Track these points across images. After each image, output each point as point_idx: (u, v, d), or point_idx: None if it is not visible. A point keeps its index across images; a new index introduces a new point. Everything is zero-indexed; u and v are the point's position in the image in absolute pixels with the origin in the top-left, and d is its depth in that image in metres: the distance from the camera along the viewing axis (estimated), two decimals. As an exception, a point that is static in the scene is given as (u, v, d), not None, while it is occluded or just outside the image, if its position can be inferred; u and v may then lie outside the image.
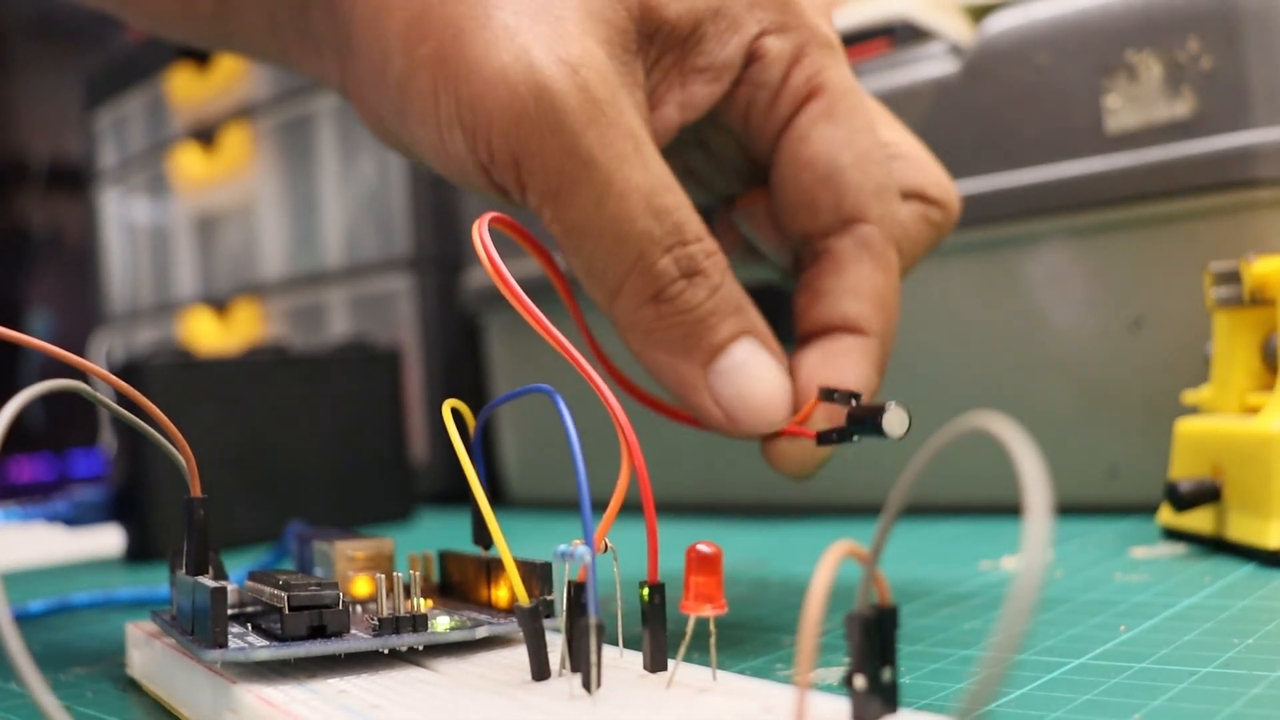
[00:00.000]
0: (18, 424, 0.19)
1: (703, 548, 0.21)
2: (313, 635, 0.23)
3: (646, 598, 0.22)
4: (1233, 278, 0.37)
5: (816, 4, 0.29)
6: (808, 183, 0.29)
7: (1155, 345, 0.45)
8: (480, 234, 0.24)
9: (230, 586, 0.24)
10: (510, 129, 0.26)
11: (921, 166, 0.32)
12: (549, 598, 0.23)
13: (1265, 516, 0.33)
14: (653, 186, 0.27)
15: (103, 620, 0.38)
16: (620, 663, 0.23)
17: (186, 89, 0.94)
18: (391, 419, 0.64)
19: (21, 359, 1.55)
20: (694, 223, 0.27)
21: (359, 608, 0.27)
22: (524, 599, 0.23)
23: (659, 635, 0.22)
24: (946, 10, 0.53)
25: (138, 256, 1.05)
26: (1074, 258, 0.47)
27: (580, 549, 0.20)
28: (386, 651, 0.24)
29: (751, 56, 0.29)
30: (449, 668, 0.23)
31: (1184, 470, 0.37)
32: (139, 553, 0.53)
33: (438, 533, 0.59)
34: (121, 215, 1.07)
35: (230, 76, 0.89)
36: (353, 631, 0.24)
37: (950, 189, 0.32)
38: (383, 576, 0.23)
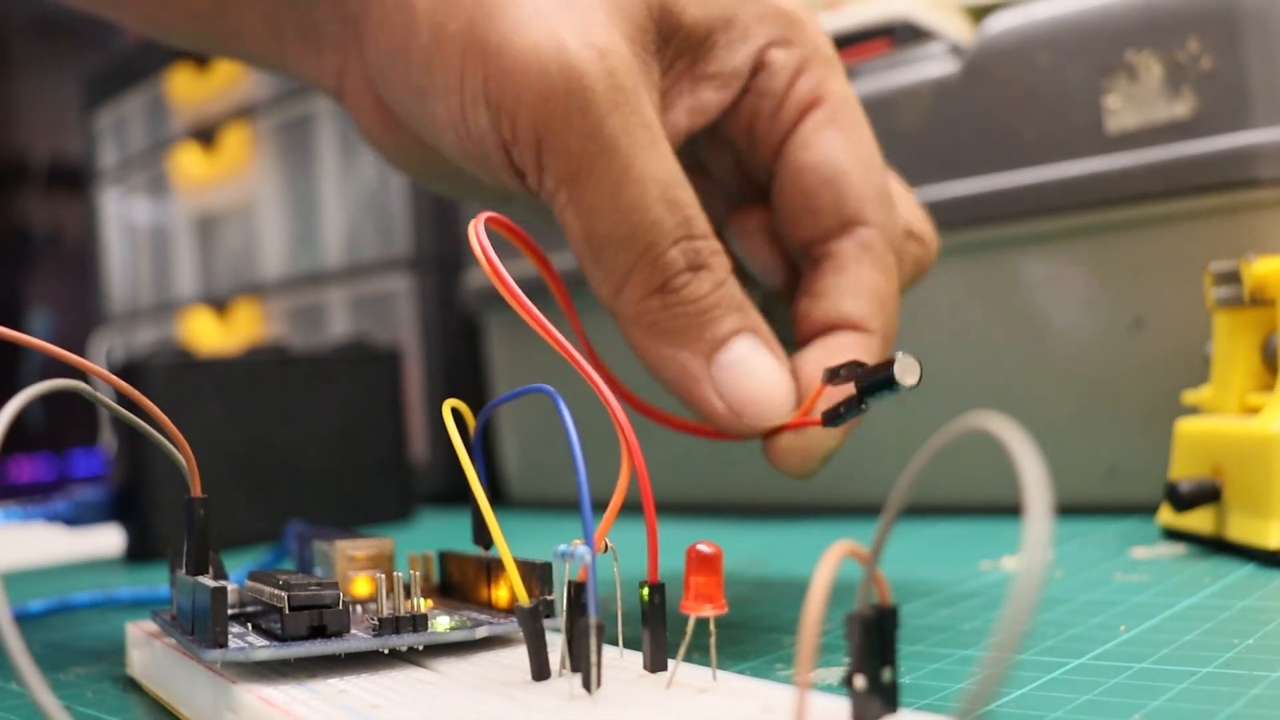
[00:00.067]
0: (18, 424, 0.19)
1: (703, 548, 0.21)
2: (313, 635, 0.23)
3: (646, 598, 0.22)
4: (1233, 278, 0.37)
5: (817, 24, 0.31)
6: (810, 185, 0.30)
7: (1155, 345, 0.45)
8: (476, 233, 0.24)
9: (230, 586, 0.24)
10: (538, 105, 0.27)
11: (907, 203, 0.33)
12: (549, 598, 0.23)
13: (1265, 516, 0.33)
14: (668, 179, 0.27)
15: (103, 620, 0.38)
16: (620, 663, 0.23)
17: (186, 89, 0.94)
18: (391, 419, 0.64)
19: (21, 359, 1.55)
20: (702, 220, 0.28)
21: (359, 608, 0.27)
22: (524, 599, 0.23)
23: (659, 635, 0.22)
24: (946, 10, 0.53)
25: (138, 256, 1.05)
26: (1074, 258, 0.47)
27: (580, 549, 0.20)
28: (386, 651, 0.24)
29: (758, 66, 0.30)
30: (449, 668, 0.23)
31: (1184, 470, 0.37)
32: (139, 553, 0.53)
33: (438, 533, 0.59)
34: (121, 215, 1.07)
35: (230, 76, 0.89)
36: (353, 631, 0.24)
37: (930, 227, 0.33)
38: (383, 576, 0.23)
